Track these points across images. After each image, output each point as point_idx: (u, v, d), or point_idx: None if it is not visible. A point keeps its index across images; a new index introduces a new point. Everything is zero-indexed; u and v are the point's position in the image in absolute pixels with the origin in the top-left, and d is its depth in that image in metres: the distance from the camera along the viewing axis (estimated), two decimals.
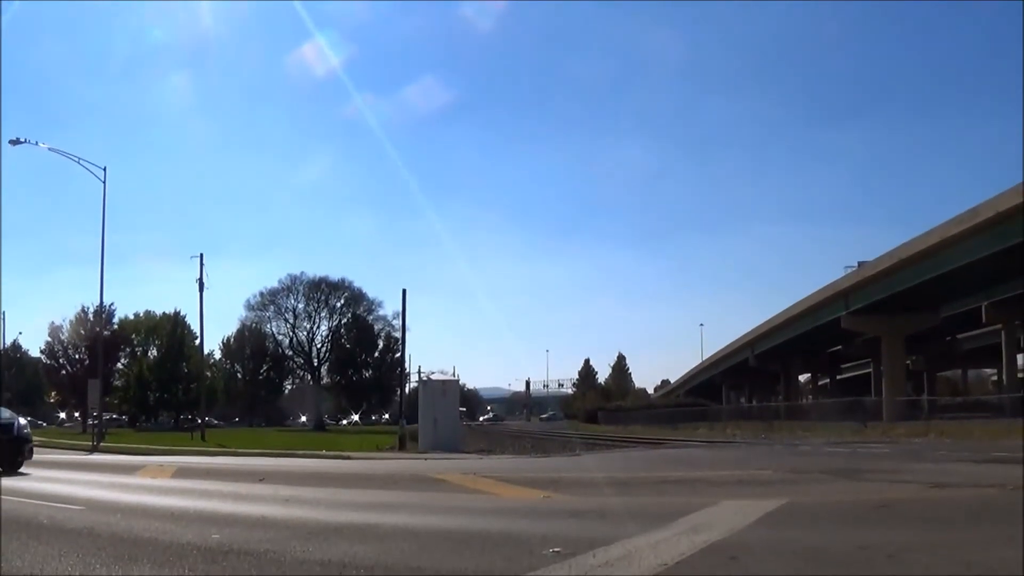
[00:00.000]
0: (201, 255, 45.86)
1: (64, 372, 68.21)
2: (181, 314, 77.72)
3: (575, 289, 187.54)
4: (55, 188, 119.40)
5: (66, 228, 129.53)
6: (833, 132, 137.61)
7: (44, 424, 62.74)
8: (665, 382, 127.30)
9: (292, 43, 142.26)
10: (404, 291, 34.50)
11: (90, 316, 61.95)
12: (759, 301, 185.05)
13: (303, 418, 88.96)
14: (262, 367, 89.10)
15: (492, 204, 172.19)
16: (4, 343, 64.90)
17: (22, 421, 14.47)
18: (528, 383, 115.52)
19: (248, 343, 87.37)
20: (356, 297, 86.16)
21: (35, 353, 74.80)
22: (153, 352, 79.11)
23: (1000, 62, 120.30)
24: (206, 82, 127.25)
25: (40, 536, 5.92)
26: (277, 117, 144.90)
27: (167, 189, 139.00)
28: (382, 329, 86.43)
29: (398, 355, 70.35)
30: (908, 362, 64.35)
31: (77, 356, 67.84)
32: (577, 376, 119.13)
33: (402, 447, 27.32)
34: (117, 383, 73.14)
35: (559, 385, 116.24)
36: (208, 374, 70.54)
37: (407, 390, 45.78)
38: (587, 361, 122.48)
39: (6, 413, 14.68)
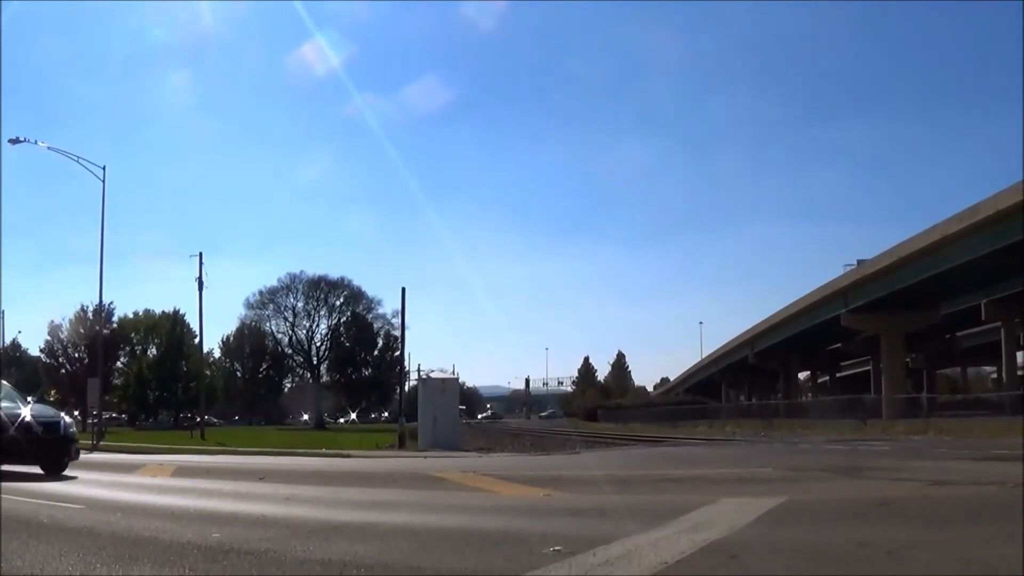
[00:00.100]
0: (200, 254, 45.94)
1: (64, 371, 68.14)
2: (180, 313, 77.81)
3: (575, 287, 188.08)
4: (55, 187, 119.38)
5: (65, 227, 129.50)
6: (833, 131, 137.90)
7: None
8: (665, 380, 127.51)
9: (292, 42, 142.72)
10: (403, 289, 34.58)
11: (89, 315, 61.92)
12: (759, 299, 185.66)
13: (305, 416, 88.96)
14: (261, 366, 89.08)
15: (492, 203, 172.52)
16: (4, 342, 64.87)
17: (67, 419, 13.33)
18: (528, 381, 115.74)
19: (247, 342, 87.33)
20: (355, 296, 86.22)
21: (34, 352, 74.82)
22: (152, 351, 79.11)
23: (1000, 62, 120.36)
24: (206, 81, 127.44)
25: (40, 535, 5.91)
26: (277, 116, 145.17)
27: (167, 188, 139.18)
28: (381, 327, 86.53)
29: (397, 353, 70.46)
30: (908, 360, 64.36)
31: (76, 355, 67.80)
32: (577, 374, 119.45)
33: (402, 445, 27.33)
34: (117, 382, 73.14)
35: (559, 383, 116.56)
36: (207, 373, 70.49)
37: (406, 388, 45.84)
38: (587, 359, 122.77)
39: (49, 411, 13.65)
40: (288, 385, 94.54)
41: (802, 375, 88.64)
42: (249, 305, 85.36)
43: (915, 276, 44.15)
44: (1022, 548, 4.85)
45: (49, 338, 70.02)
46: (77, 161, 32.91)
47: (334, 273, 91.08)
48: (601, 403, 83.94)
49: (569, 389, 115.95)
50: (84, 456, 22.74)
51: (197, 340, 61.64)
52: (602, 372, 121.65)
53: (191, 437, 37.53)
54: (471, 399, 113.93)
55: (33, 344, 78.38)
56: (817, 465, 13.43)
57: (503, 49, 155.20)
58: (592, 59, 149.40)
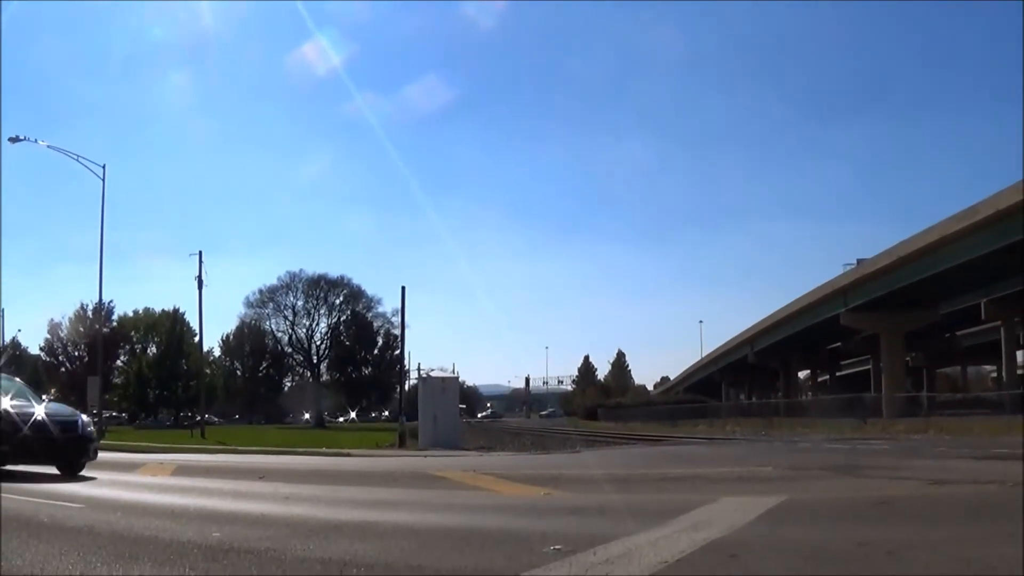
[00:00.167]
0: (200, 252, 45.98)
1: (63, 369, 68.26)
2: (180, 311, 77.93)
3: (575, 286, 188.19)
4: (54, 186, 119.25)
5: (65, 225, 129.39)
6: (833, 129, 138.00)
7: None
8: (665, 379, 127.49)
9: (293, 42, 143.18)
10: (403, 288, 34.58)
11: (89, 313, 62.06)
12: (759, 298, 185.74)
13: (305, 415, 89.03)
14: (261, 364, 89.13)
15: (492, 202, 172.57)
16: (3, 340, 64.88)
17: (85, 418, 13.00)
18: (528, 380, 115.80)
19: (247, 340, 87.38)
20: (355, 294, 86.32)
21: (34, 350, 74.93)
22: (152, 349, 79.19)
23: (1000, 62, 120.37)
24: (206, 81, 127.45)
25: (40, 534, 5.90)
26: (277, 115, 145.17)
27: (166, 187, 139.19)
28: (381, 326, 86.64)
29: (397, 352, 70.47)
30: (908, 359, 64.38)
31: (76, 353, 67.93)
32: (577, 373, 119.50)
33: (402, 444, 27.35)
34: (117, 380, 73.23)
35: (559, 382, 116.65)
36: (207, 371, 70.56)
37: (406, 387, 45.87)
38: (587, 358, 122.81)
39: (67, 410, 13.28)
40: (288, 384, 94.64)
41: (802, 374, 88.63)
42: (249, 304, 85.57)
43: (915, 275, 44.14)
44: (1022, 548, 4.85)
45: (49, 336, 70.27)
46: (77, 160, 33.04)
47: (334, 272, 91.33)
48: (601, 402, 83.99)
49: (569, 388, 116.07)
50: None
51: (197, 339, 61.78)
52: (602, 371, 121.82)
53: (191, 436, 37.55)
54: (471, 398, 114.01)
55: (33, 342, 78.59)
56: (817, 464, 13.43)
57: (503, 49, 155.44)
58: (592, 59, 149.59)
